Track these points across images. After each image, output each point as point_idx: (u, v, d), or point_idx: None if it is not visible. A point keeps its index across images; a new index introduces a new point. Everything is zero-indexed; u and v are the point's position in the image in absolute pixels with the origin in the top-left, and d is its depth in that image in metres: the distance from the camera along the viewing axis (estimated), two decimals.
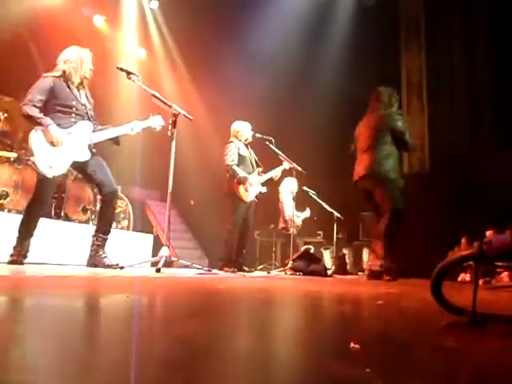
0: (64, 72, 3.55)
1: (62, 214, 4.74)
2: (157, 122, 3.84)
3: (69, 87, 3.56)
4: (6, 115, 4.74)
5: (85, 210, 4.96)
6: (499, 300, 2.20)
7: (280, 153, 5.47)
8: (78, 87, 3.65)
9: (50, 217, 4.52)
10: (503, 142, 7.29)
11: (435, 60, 8.50)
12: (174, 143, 3.68)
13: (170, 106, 3.69)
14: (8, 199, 4.27)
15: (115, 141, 3.78)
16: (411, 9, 8.82)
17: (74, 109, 3.56)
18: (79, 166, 3.64)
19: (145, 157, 7.22)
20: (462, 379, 0.57)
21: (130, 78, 3.65)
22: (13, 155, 4.55)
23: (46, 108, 3.48)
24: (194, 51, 8.71)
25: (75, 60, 3.60)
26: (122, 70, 3.64)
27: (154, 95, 3.67)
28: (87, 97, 3.73)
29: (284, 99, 8.46)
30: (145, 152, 7.38)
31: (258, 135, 5.35)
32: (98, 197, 5.31)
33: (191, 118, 3.84)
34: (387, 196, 4.49)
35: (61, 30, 6.57)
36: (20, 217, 3.96)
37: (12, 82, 6.26)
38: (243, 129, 5.32)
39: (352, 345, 0.69)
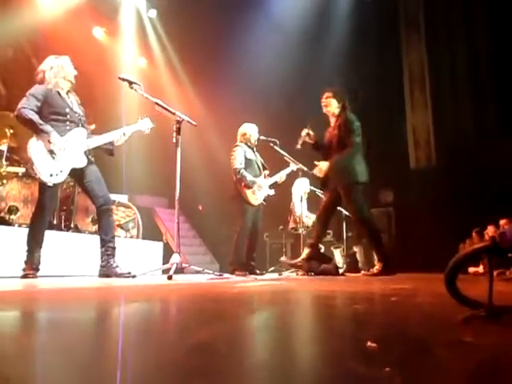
0: (48, 80, 3.56)
1: (72, 225, 4.77)
2: (145, 125, 3.90)
3: (60, 95, 3.59)
4: (12, 131, 4.79)
5: (94, 221, 4.99)
6: None
7: (285, 154, 5.46)
8: (67, 94, 3.68)
9: (60, 229, 4.55)
10: (509, 131, 7.22)
11: (436, 52, 8.45)
12: (179, 150, 3.69)
13: (174, 113, 3.70)
14: (18, 214, 4.31)
15: (109, 152, 3.82)
16: (410, 1, 8.78)
17: (68, 116, 3.59)
18: (77, 175, 3.66)
19: (151, 164, 7.26)
20: (483, 374, 0.56)
21: (132, 88, 3.67)
22: (21, 170, 4.59)
23: (40, 115, 3.49)
24: (194, 57, 8.75)
25: (56, 66, 3.62)
26: (123, 80, 3.66)
27: (157, 103, 3.69)
28: (78, 103, 3.77)
29: (287, 99, 8.45)
30: (151, 160, 7.42)
31: (262, 138, 5.34)
32: None
33: (195, 123, 3.85)
34: None
35: (62, 44, 6.63)
36: None
37: (16, 97, 6.33)
38: (251, 131, 5.33)
39: (369, 344, 0.69)
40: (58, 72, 3.61)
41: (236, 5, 8.42)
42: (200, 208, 9.38)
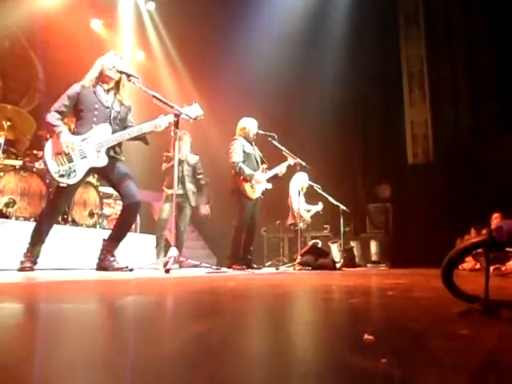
0: (89, 78, 3.53)
1: (70, 219, 4.76)
2: (194, 112, 3.76)
3: (94, 89, 3.52)
4: (9, 123, 4.76)
5: (91, 215, 4.98)
6: (510, 286, 2.20)
7: (283, 148, 5.46)
8: (106, 88, 3.60)
9: (57, 222, 4.53)
10: (506, 127, 7.24)
11: (435, 48, 8.44)
12: (177, 143, 3.69)
13: (172, 107, 3.68)
14: (15, 207, 4.30)
15: (143, 140, 3.73)
16: None
17: (95, 112, 3.50)
18: (102, 173, 3.60)
19: (148, 158, 7.24)
20: (477, 366, 0.57)
21: (130, 81, 3.64)
22: (18, 163, 4.57)
23: (75, 115, 3.51)
24: (192, 51, 8.70)
25: (98, 65, 3.59)
26: (121, 72, 3.63)
27: (154, 96, 3.66)
28: (119, 100, 3.64)
29: (286, 95, 8.44)
30: (148, 153, 7.40)
31: (260, 132, 5.34)
32: (105, 201, 5.34)
33: (193, 117, 3.83)
34: None
35: (59, 36, 6.59)
36: (28, 223, 4.00)
37: (13, 90, 6.30)
38: (250, 125, 5.31)
39: (366, 336, 0.69)
40: (97, 70, 3.56)
41: (236, 1, 8.39)
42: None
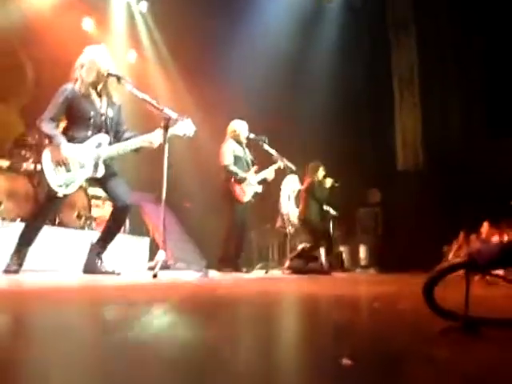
0: (78, 79, 3.40)
1: (57, 221, 4.72)
2: (184, 129, 3.60)
3: (88, 96, 3.42)
4: None
5: (79, 216, 4.94)
6: (494, 297, 2.22)
7: (273, 152, 5.45)
8: (99, 92, 3.50)
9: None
10: (496, 133, 7.34)
11: (426, 55, 8.51)
12: (166, 146, 3.65)
13: (162, 110, 3.64)
14: (1, 208, 4.25)
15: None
16: (398, 6, 8.81)
17: (91, 120, 3.42)
18: (94, 177, 3.55)
19: (138, 159, 7.19)
20: None
21: (120, 83, 3.60)
22: (5, 163, 4.52)
23: (67, 119, 3.45)
24: (184, 52, 8.67)
25: (88, 62, 3.43)
26: (112, 75, 3.59)
27: (144, 99, 3.62)
28: (110, 101, 3.55)
29: (278, 98, 8.45)
30: (138, 155, 7.35)
31: (251, 136, 5.33)
32: (94, 201, 5.31)
33: (183, 120, 3.81)
34: None
35: (49, 35, 6.53)
36: (14, 225, 3.95)
37: (3, 91, 6.22)
38: (241, 128, 5.30)
39: (344, 360, 0.69)
40: (89, 69, 3.41)
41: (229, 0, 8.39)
42: (187, 205, 9.33)
